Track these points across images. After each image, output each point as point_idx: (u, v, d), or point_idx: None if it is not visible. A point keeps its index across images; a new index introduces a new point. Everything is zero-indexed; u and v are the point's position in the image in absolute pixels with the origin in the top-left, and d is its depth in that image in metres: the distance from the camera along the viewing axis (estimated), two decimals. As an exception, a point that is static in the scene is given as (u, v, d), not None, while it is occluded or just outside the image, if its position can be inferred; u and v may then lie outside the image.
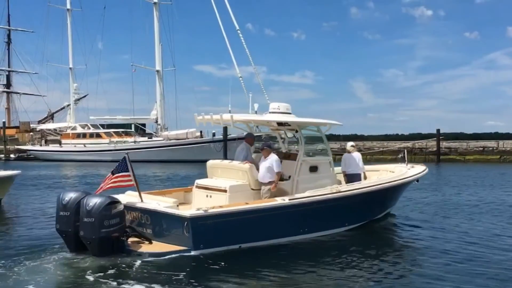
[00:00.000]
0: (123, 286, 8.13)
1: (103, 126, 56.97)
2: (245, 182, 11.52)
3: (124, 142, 52.12)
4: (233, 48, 48.92)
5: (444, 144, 44.42)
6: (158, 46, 53.63)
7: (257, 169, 11.70)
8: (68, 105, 62.37)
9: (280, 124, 12.73)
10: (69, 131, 56.90)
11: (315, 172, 12.35)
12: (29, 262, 9.21)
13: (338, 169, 14.00)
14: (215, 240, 10.02)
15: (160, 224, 10.24)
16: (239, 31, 48.58)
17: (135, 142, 52.01)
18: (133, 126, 57.35)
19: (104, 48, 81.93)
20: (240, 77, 49.67)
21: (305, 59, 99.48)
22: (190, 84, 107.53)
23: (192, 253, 9.68)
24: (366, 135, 63.88)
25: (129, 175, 10.25)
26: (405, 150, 17.76)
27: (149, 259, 9.41)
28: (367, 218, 12.93)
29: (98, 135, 54.41)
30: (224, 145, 45.12)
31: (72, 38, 61.73)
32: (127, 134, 54.66)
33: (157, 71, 53.85)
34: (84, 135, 55.08)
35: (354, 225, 12.37)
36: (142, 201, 10.57)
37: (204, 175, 12.81)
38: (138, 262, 9.24)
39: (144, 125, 57.72)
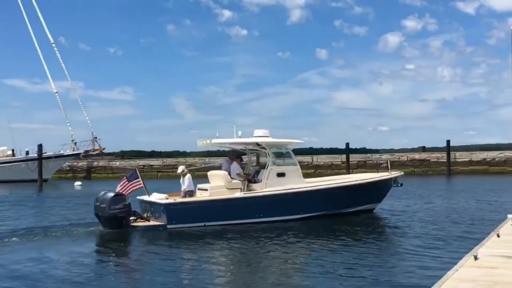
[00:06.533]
0: (122, 244, 14.12)
1: None
2: (221, 184, 16.74)
3: None
4: (47, 62, 45.73)
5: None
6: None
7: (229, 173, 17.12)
8: None
9: (257, 144, 17.57)
10: None
11: (283, 177, 16.88)
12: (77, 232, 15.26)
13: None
14: (183, 219, 15.49)
15: (154, 209, 16.11)
16: (53, 45, 45.63)
17: None
18: None
19: None
20: (56, 92, 45.70)
21: (124, 75, 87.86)
22: (0, 99, 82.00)
23: (168, 227, 15.33)
24: (188, 151, 59.23)
25: (139, 181, 16.20)
26: (388, 161, 22.24)
27: (142, 230, 15.43)
28: (321, 211, 16.95)
29: None
30: (39, 164, 42.47)
31: None
32: None
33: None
34: None
35: (308, 214, 16.63)
36: (148, 196, 16.49)
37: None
38: (134, 232, 15.24)
39: None
